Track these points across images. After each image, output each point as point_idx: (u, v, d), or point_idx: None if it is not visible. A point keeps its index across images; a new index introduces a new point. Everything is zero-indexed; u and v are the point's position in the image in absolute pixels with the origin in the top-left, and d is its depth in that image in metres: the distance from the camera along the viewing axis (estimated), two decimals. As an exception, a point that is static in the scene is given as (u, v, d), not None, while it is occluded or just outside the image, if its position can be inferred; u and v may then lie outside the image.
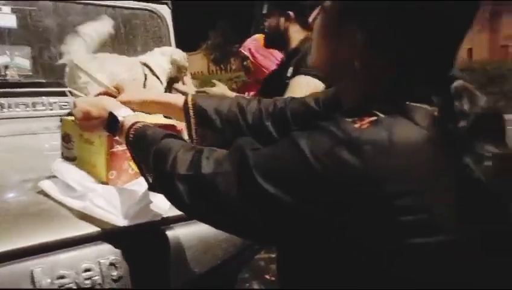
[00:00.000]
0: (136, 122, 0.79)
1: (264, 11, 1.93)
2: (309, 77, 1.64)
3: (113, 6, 2.24)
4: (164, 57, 1.94)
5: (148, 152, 0.71)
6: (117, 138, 0.83)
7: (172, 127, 0.99)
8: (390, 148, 0.49)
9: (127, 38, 2.26)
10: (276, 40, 1.93)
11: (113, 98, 0.90)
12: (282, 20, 1.87)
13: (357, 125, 0.51)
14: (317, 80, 1.62)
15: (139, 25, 2.31)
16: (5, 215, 0.83)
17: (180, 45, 2.33)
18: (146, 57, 1.89)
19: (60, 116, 1.75)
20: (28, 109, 1.89)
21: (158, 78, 1.77)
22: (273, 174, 0.53)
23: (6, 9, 1.88)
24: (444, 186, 0.50)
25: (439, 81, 0.55)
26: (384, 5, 0.55)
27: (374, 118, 0.52)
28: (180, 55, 1.99)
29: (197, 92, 2.01)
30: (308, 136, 0.52)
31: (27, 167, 1.14)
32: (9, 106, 1.81)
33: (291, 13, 1.85)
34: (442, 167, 0.51)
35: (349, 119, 0.52)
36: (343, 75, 0.64)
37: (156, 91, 1.02)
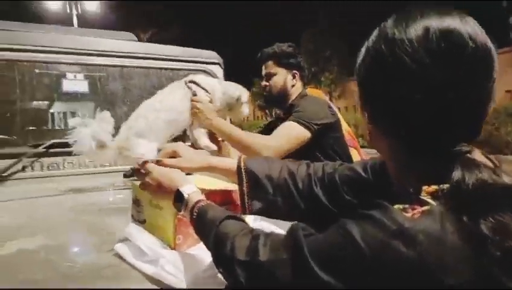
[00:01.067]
0: (199, 201, 0.86)
1: (270, 70, 2.09)
2: (295, 123, 1.82)
3: (171, 69, 2.43)
4: (219, 85, 1.88)
5: (209, 233, 0.77)
6: (182, 212, 0.90)
7: (228, 193, 1.07)
8: (443, 240, 0.51)
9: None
10: (279, 98, 2.09)
11: (181, 173, 0.98)
12: (289, 78, 2.07)
13: (408, 215, 0.53)
14: (303, 128, 1.81)
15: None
16: (83, 277, 0.91)
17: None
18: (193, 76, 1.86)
19: (122, 171, 1.90)
20: (95, 166, 2.05)
21: (207, 91, 1.75)
22: (327, 263, 0.56)
23: (80, 76, 2.10)
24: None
25: (446, 157, 0.58)
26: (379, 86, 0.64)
27: (426, 207, 0.54)
28: (236, 91, 1.87)
29: None
30: (361, 226, 0.55)
31: (100, 227, 1.23)
32: (80, 165, 1.97)
33: (296, 72, 2.07)
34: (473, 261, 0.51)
35: (400, 207, 0.55)
36: (377, 147, 0.71)
37: (205, 156, 1.06)
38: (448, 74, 0.57)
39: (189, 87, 1.72)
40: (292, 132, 1.81)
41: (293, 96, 2.07)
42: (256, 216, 1.12)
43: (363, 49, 0.68)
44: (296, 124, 1.82)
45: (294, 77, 2.08)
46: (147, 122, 1.60)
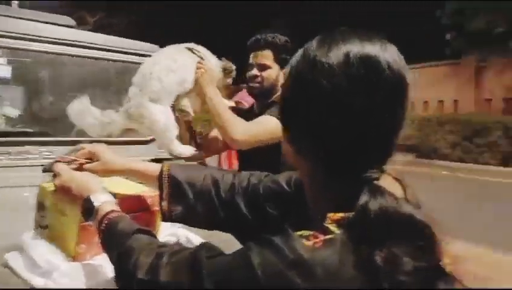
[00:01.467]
0: (110, 212, 0.80)
1: (266, 62, 1.94)
2: (275, 118, 1.75)
3: (106, 59, 2.29)
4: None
5: (115, 247, 0.73)
6: (89, 222, 0.84)
7: (143, 199, 1.04)
8: (340, 273, 0.50)
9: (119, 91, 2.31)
10: (267, 93, 1.99)
11: (95, 178, 0.91)
12: (281, 74, 1.96)
13: (309, 243, 0.52)
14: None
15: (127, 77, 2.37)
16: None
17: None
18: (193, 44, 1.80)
19: (43, 165, 1.77)
20: (11, 157, 1.89)
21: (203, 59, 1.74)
22: (221, 285, 0.55)
23: (2, 60, 1.93)
24: None
25: (358, 183, 0.58)
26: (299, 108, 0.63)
27: (329, 236, 0.53)
28: (225, 62, 1.90)
29: None
30: (261, 252, 0.54)
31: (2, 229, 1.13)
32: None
33: None
34: None
35: (304, 233, 0.54)
36: (296, 167, 0.71)
37: (126, 159, 1.02)
38: (365, 99, 0.57)
39: (194, 52, 1.69)
40: (271, 125, 1.74)
41: (276, 94, 1.97)
42: (173, 223, 1.08)
43: (287, 68, 0.67)
44: (275, 118, 1.74)
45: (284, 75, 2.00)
46: (162, 85, 1.46)
